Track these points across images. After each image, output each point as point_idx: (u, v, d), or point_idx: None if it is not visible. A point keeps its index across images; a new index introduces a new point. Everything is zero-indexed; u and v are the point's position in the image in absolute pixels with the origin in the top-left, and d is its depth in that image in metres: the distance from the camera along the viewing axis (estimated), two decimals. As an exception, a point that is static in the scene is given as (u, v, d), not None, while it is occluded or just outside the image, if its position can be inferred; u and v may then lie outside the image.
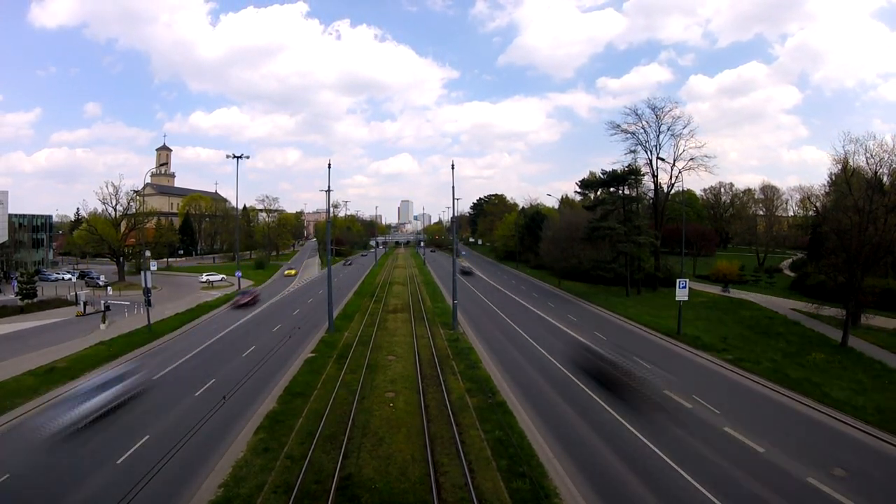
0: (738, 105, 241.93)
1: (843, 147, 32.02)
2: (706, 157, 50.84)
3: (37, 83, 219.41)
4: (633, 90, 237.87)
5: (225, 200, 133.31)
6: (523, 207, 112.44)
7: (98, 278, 64.61)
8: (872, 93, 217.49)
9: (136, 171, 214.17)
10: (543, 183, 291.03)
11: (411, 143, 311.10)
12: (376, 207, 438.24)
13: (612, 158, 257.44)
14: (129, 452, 16.12)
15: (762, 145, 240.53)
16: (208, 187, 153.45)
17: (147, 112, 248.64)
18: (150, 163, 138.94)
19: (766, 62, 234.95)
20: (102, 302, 42.60)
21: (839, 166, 34.83)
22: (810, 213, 73.02)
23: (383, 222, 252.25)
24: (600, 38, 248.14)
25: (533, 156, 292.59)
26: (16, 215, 76.08)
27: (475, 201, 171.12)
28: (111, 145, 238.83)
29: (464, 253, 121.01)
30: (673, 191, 54.97)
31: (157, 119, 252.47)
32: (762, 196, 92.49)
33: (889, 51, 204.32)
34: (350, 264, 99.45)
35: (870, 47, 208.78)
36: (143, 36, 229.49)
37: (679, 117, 51.41)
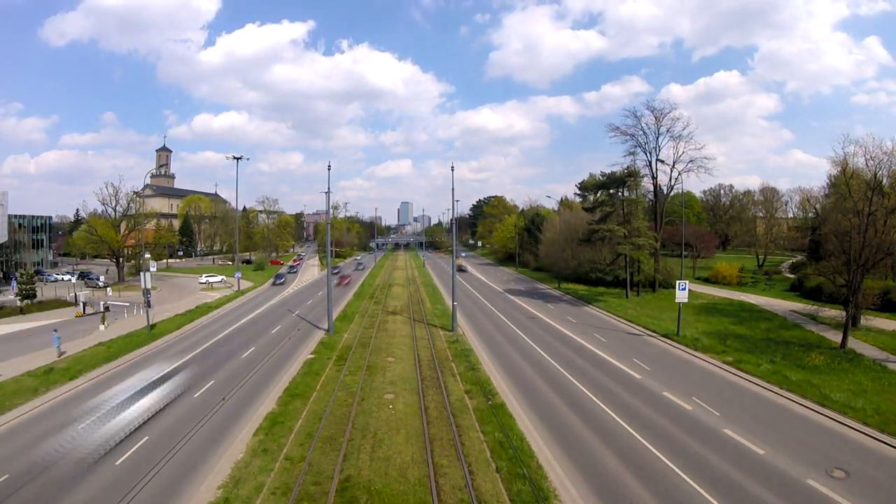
0: (716, 112, 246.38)
1: (843, 149, 31.89)
2: (706, 158, 50.74)
3: (48, 90, 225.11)
4: (614, 98, 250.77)
5: (225, 202, 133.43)
6: (523, 209, 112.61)
7: (98, 279, 64.57)
8: (849, 99, 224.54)
9: (143, 175, 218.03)
10: (538, 185, 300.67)
11: (409, 148, 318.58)
12: (376, 209, 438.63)
13: (602, 160, 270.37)
14: (128, 453, 16.09)
15: (747, 150, 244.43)
16: (211, 189, 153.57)
17: (156, 118, 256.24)
18: (167, 170, 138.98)
19: (741, 72, 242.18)
20: (102, 303, 42.57)
21: (838, 168, 34.76)
22: (810, 215, 73.20)
23: (383, 223, 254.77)
24: (581, 53, 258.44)
25: (526, 160, 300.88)
26: (15, 216, 76.07)
27: (474, 203, 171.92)
28: (118, 149, 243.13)
29: (463, 254, 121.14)
30: (672, 192, 54.94)
31: (166, 124, 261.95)
32: (761, 198, 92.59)
33: (854, 59, 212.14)
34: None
35: (835, 57, 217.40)
36: (151, 48, 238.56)
37: (678, 119, 51.29)
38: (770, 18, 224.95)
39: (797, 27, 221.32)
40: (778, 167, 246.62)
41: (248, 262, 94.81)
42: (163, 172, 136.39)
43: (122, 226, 69.50)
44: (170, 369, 22.79)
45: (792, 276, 61.61)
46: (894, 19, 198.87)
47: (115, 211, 68.56)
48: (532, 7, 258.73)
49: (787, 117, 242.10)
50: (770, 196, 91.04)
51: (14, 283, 51.13)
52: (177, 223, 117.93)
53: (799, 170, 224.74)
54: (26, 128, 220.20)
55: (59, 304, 47.28)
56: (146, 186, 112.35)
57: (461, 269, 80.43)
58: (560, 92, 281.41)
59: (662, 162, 52.27)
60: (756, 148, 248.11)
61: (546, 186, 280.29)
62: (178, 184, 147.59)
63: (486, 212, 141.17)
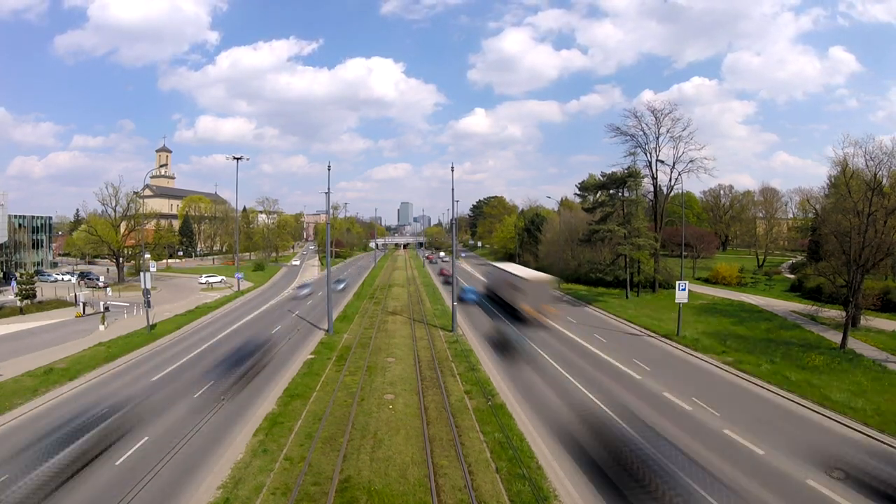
0: (695, 116, 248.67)
1: (843, 149, 31.90)
2: (706, 159, 50.76)
3: (60, 98, 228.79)
4: (596, 106, 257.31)
5: (225, 202, 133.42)
6: (522, 210, 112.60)
7: (98, 279, 64.58)
8: (826, 106, 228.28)
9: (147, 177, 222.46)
10: (532, 186, 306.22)
11: (406, 152, 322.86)
12: (375, 209, 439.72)
13: (593, 162, 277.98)
14: (127, 453, 16.08)
15: (731, 152, 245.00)
16: (212, 191, 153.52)
17: (164, 123, 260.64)
18: (167, 170, 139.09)
19: (718, 79, 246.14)
20: (102, 303, 42.56)
21: (838, 169, 34.77)
22: (809, 215, 73.28)
23: (383, 224, 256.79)
24: (567, 66, 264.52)
25: (519, 162, 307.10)
26: (15, 216, 76.08)
27: (474, 203, 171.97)
28: (125, 152, 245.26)
29: (463, 255, 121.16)
30: (672, 193, 54.94)
31: (174, 130, 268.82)
32: (761, 199, 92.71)
33: (821, 67, 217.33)
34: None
35: (804, 64, 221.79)
36: (160, 61, 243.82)
37: (679, 119, 51.28)
38: (739, 29, 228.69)
39: (768, 35, 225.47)
40: (764, 169, 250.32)
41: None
42: (163, 173, 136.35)
43: (122, 226, 69.52)
44: None
45: (792, 276, 61.67)
46: (855, 30, 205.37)
47: (114, 211, 68.61)
48: (511, 28, 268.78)
49: (767, 121, 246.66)
50: (770, 197, 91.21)
51: (14, 283, 51.07)
52: (177, 223, 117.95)
53: (788, 171, 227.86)
54: (38, 132, 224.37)
55: (59, 304, 47.29)
56: (146, 187, 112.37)
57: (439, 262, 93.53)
58: (551, 97, 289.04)
59: (662, 162, 52.23)
60: (739, 150, 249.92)
61: (540, 188, 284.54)
62: (184, 186, 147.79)
63: (486, 212, 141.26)
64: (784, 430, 17.92)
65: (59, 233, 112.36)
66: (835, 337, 30.32)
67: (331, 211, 51.64)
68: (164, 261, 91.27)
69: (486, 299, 49.75)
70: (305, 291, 56.42)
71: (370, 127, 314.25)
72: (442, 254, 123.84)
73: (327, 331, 34.98)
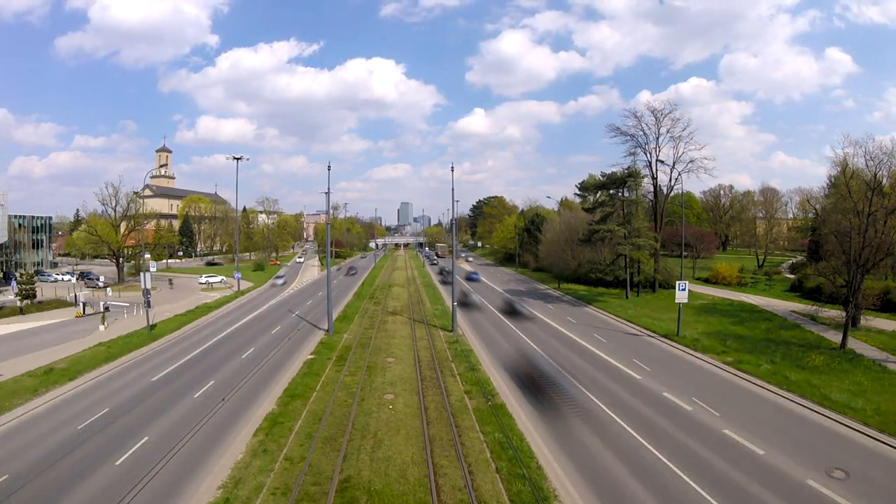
0: (692, 116, 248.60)
1: (843, 149, 31.91)
2: (706, 159, 50.73)
3: (60, 95, 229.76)
4: (595, 107, 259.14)
5: (225, 202, 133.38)
6: (522, 210, 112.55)
7: (98, 279, 64.58)
8: (823, 107, 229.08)
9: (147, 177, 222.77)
10: (531, 186, 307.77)
11: (408, 151, 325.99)
12: (376, 209, 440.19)
13: (590, 162, 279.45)
14: (128, 454, 16.09)
15: (729, 152, 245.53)
16: (212, 191, 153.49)
17: (165, 124, 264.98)
18: (167, 170, 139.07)
19: (715, 80, 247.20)
20: (102, 303, 42.55)
21: (838, 169, 34.77)
22: (809, 215, 73.29)
23: (383, 224, 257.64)
24: (564, 67, 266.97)
25: (518, 163, 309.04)
26: (15, 216, 76.08)
27: (474, 204, 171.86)
28: (127, 153, 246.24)
29: (463, 255, 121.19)
30: (672, 193, 54.93)
31: (174, 130, 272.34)
32: (761, 199, 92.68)
33: (818, 68, 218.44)
34: None
35: (801, 65, 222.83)
36: (161, 58, 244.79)
37: (678, 120, 51.25)
38: (735, 31, 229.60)
39: (762, 36, 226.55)
40: (762, 169, 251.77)
41: (213, 263, 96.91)
42: (163, 173, 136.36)
43: (122, 226, 69.53)
44: None
45: (792, 276, 61.64)
46: (851, 32, 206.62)
47: (114, 211, 68.61)
48: (509, 30, 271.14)
49: (764, 122, 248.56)
50: (770, 197, 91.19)
51: (14, 284, 51.08)
52: (177, 223, 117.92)
53: (786, 172, 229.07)
54: (39, 132, 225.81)
55: (59, 304, 47.28)
56: (146, 187, 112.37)
57: (434, 263, 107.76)
58: (549, 98, 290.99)
59: (662, 162, 52.17)
60: (737, 150, 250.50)
61: (540, 188, 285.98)
62: (184, 186, 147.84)
63: (486, 212, 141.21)
64: (784, 430, 17.92)
65: (59, 233, 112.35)
66: (835, 337, 30.31)
67: (331, 211, 51.67)
68: (164, 261, 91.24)
69: (433, 255, 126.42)
70: (281, 281, 68.90)
71: (370, 127, 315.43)
72: (426, 249, 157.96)
73: (327, 331, 34.99)
